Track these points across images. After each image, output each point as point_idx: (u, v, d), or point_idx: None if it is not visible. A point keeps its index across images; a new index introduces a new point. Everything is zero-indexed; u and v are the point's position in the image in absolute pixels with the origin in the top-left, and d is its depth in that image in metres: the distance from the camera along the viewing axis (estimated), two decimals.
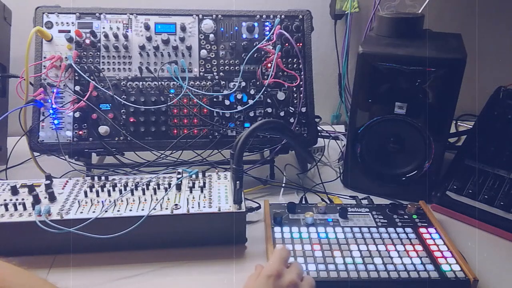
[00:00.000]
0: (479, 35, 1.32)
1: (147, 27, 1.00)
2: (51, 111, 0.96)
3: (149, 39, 1.00)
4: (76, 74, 0.98)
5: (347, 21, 1.28)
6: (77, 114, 0.97)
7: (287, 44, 1.02)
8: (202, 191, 0.85)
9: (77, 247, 0.78)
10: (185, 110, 1.00)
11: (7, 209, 0.78)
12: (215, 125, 1.00)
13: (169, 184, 0.86)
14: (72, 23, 1.00)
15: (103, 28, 1.00)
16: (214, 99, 1.01)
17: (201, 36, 1.02)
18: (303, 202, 0.95)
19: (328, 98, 1.41)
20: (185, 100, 1.00)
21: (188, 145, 1.00)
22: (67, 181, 0.88)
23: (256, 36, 1.03)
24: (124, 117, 0.99)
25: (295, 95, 1.03)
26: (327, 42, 1.35)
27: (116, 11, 1.01)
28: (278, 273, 0.63)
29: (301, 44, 1.03)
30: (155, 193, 0.84)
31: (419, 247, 0.79)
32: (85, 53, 0.99)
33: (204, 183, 0.88)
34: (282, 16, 1.03)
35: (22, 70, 0.94)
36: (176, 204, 0.81)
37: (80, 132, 0.98)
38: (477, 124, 1.06)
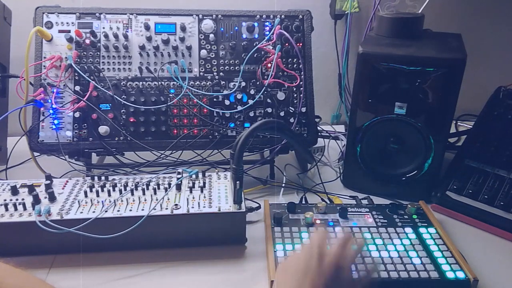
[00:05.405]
0: (479, 35, 1.32)
1: (147, 27, 1.00)
2: (51, 111, 0.96)
3: (149, 39, 1.00)
4: (76, 74, 0.98)
5: (347, 21, 1.28)
6: (77, 114, 0.97)
7: (287, 44, 1.02)
8: (202, 191, 0.85)
9: (77, 247, 0.78)
10: (185, 110, 1.00)
11: (7, 209, 0.78)
12: (215, 125, 1.00)
13: (169, 184, 0.86)
14: (72, 23, 1.00)
15: (103, 28, 1.00)
16: (214, 99, 1.01)
17: (201, 36, 1.02)
18: (303, 202, 0.95)
19: (328, 98, 1.41)
20: (185, 100, 1.00)
21: (188, 145, 1.00)
22: (67, 181, 0.88)
23: (256, 36, 1.03)
24: (124, 117, 0.99)
25: (295, 95, 1.03)
26: (327, 42, 1.35)
27: (116, 11, 1.01)
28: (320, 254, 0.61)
29: (301, 44, 1.03)
30: (155, 193, 0.84)
31: (419, 247, 0.79)
32: (85, 53, 0.99)
33: (204, 183, 0.88)
34: (282, 16, 1.03)
35: (22, 70, 0.94)
36: (176, 204, 0.81)
37: (80, 132, 0.98)
38: (477, 124, 1.06)
